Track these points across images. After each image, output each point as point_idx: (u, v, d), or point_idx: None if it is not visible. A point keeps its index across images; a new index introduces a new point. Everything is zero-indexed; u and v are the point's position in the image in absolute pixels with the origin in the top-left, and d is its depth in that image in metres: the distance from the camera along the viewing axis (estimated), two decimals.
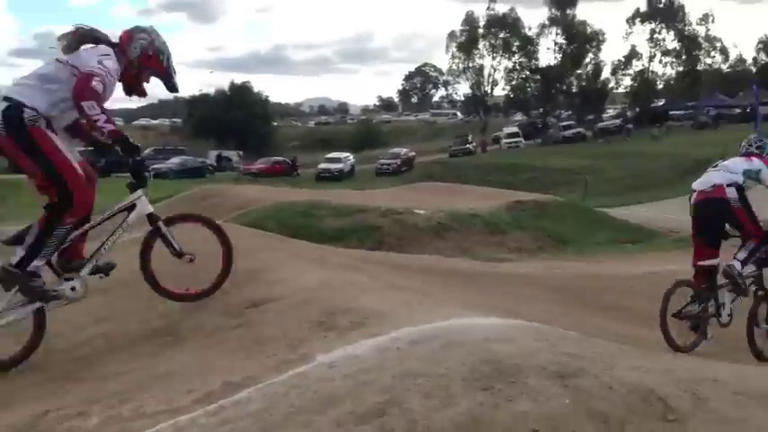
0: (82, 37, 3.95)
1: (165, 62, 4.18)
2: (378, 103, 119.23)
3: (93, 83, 3.66)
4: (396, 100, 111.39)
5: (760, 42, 65.26)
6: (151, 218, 4.21)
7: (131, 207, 4.13)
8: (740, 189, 5.78)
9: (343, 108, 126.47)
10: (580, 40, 63.92)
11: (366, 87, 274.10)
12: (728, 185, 5.78)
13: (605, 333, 5.28)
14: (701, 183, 5.97)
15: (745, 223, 5.79)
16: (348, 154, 50.19)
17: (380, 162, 48.02)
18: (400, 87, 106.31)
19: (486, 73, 67.39)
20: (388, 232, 14.95)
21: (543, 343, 3.05)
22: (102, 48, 3.94)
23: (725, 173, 5.92)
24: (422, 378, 2.75)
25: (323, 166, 46.06)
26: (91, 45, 3.95)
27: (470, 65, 67.81)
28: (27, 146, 3.69)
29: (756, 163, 5.92)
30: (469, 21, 66.96)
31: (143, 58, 4.06)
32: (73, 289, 4.04)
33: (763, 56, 65.49)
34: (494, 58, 67.05)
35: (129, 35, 4.08)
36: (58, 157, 3.76)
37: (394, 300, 4.09)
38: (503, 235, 16.04)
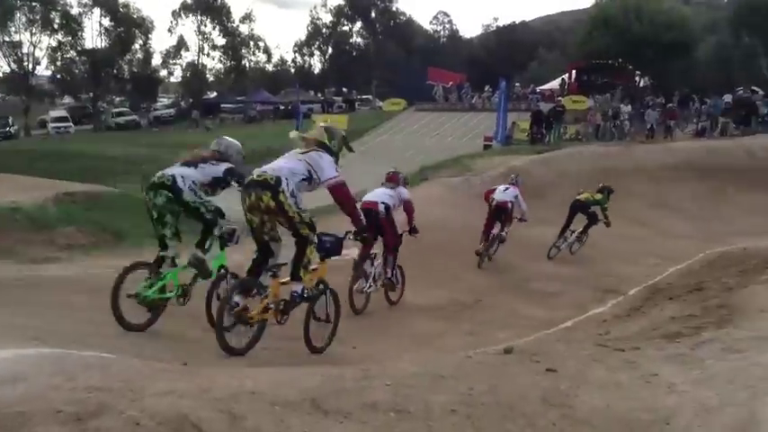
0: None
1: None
2: None
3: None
4: None
5: (296, 45, 72.57)
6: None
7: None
8: (512, 203, 12.10)
9: None
10: (127, 25, 61.53)
11: None
12: (510, 201, 12.04)
13: (173, 339, 4.94)
14: (499, 195, 12.12)
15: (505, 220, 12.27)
16: None
17: None
18: None
19: (25, 50, 59.61)
20: None
21: (61, 378, 2.49)
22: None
23: (507, 193, 12.11)
24: None
25: None
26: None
27: (5, 39, 59.07)
28: (391, 221, 8.88)
29: (516, 190, 12.31)
30: None
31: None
32: None
33: (299, 58, 73.04)
34: (33, 34, 59.66)
35: (397, 177, 9.36)
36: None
37: None
38: (51, 231, 14.13)
